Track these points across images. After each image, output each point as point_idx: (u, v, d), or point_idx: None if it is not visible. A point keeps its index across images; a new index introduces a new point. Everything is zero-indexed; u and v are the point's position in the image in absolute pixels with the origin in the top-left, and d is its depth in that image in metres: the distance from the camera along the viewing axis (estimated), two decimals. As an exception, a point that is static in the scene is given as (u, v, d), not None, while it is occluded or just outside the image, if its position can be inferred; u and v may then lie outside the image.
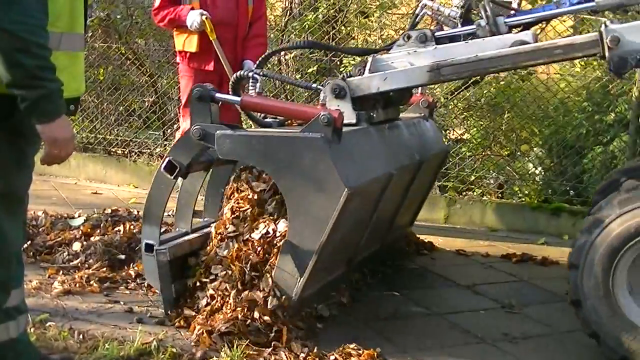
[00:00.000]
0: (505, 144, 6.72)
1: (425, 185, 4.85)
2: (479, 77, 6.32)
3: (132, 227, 4.57)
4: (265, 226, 3.43)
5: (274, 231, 3.39)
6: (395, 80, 3.74)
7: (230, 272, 3.40)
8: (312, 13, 6.90)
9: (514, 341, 3.57)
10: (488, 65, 3.58)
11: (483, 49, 3.61)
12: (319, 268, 3.33)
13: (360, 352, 3.19)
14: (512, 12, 3.77)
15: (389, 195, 3.85)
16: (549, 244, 5.40)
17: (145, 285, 3.94)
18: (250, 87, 3.63)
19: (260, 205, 3.49)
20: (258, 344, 3.17)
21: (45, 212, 5.00)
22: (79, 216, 5.01)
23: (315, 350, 3.18)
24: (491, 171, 6.55)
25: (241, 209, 3.50)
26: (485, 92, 6.62)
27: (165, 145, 7.08)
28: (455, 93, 6.55)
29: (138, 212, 4.97)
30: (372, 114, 3.87)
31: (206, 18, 4.95)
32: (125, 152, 7.34)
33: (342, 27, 7.03)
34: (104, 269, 4.11)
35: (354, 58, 6.09)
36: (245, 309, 3.26)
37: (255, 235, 3.42)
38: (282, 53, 7.03)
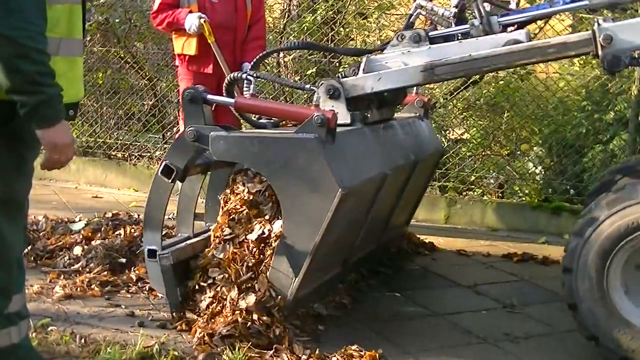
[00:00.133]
0: (505, 144, 6.73)
1: (420, 185, 4.85)
2: (478, 77, 6.34)
3: (132, 230, 4.56)
4: (261, 227, 3.44)
5: (270, 232, 3.40)
6: (389, 80, 3.74)
7: (227, 275, 3.41)
8: (311, 15, 6.90)
9: (515, 341, 3.57)
10: (482, 64, 3.59)
11: (477, 48, 3.61)
12: (314, 268, 3.34)
13: (362, 353, 3.19)
14: (506, 11, 3.78)
15: (384, 196, 3.85)
16: (550, 243, 5.39)
17: (147, 288, 3.95)
18: (245, 89, 3.64)
19: (256, 206, 3.49)
20: (259, 346, 3.18)
21: (45, 216, 5.00)
22: (79, 220, 5.01)
23: (317, 352, 3.18)
24: (491, 171, 6.55)
25: (237, 211, 3.50)
26: (484, 91, 6.63)
27: (165, 148, 7.08)
28: (455, 93, 6.55)
29: (139, 215, 4.98)
30: (366, 114, 3.88)
31: (204, 21, 4.95)
32: (125, 156, 7.34)
33: (341, 29, 7.03)
34: (105, 272, 4.11)
35: (353, 59, 6.10)
36: (244, 312, 3.27)
37: (251, 236, 3.43)
38: (282, 55, 7.04)
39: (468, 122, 6.80)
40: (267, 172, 3.38)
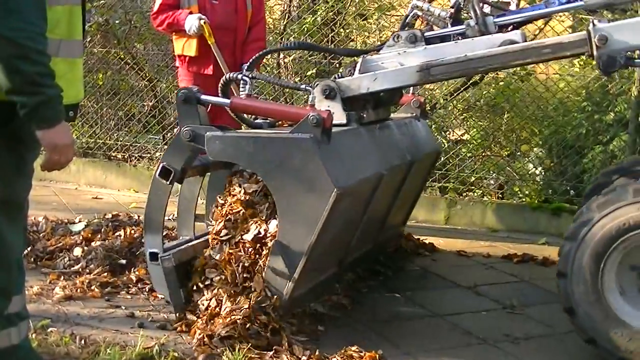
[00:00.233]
0: (505, 145, 6.73)
1: (417, 185, 4.85)
2: (478, 78, 6.34)
3: (132, 231, 4.56)
4: (257, 227, 3.44)
5: (266, 232, 3.41)
6: (385, 80, 3.74)
7: (223, 276, 3.41)
8: (311, 16, 6.90)
9: (515, 342, 3.57)
10: (477, 64, 3.60)
11: (472, 48, 3.62)
12: (310, 268, 3.34)
13: (362, 354, 3.19)
14: (502, 11, 3.78)
15: (380, 196, 3.85)
16: (550, 244, 5.39)
17: (147, 290, 3.95)
18: (241, 89, 3.64)
19: (252, 206, 3.49)
20: (259, 347, 3.17)
21: (45, 217, 5.00)
22: (79, 221, 5.01)
23: (317, 353, 3.18)
24: (491, 172, 6.55)
25: (233, 211, 3.50)
26: (484, 92, 6.62)
27: (165, 149, 7.07)
28: (455, 94, 6.55)
29: (139, 216, 4.98)
30: (362, 114, 3.88)
31: (204, 22, 4.95)
32: (125, 157, 7.35)
33: (341, 30, 7.04)
34: (105, 274, 4.11)
35: (353, 60, 6.09)
36: (241, 313, 3.26)
37: (247, 236, 3.43)
38: (282, 56, 7.03)
39: (468, 123, 6.80)
40: (262, 172, 3.38)
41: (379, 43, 6.79)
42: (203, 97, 3.51)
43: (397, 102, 4.62)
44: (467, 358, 3.38)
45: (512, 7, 3.88)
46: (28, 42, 2.22)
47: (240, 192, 3.52)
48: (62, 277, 4.08)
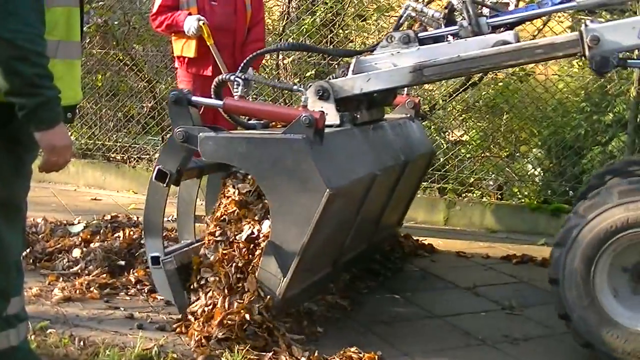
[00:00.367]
0: (504, 145, 6.73)
1: (412, 186, 4.85)
2: (477, 78, 6.34)
3: (131, 233, 4.56)
4: (250, 227, 3.44)
5: (259, 232, 3.41)
6: (378, 81, 3.75)
7: (218, 277, 3.41)
8: (310, 17, 6.90)
9: (514, 343, 3.57)
10: (470, 65, 3.60)
11: (465, 49, 3.62)
12: (303, 268, 3.33)
13: (361, 355, 3.19)
14: (495, 12, 3.79)
15: (374, 196, 3.85)
16: (549, 245, 5.33)
17: (146, 291, 3.95)
18: (235, 91, 3.64)
19: (246, 206, 3.49)
20: (256, 348, 3.17)
21: (44, 219, 5.00)
22: (78, 223, 5.01)
23: (316, 354, 3.18)
24: (490, 173, 6.55)
25: (228, 212, 3.50)
26: (483, 93, 6.63)
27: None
28: (454, 95, 6.55)
29: (138, 217, 4.97)
30: (356, 115, 3.88)
31: (203, 24, 4.95)
32: (124, 158, 7.34)
33: (340, 31, 7.04)
34: (104, 275, 4.10)
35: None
36: (236, 314, 3.26)
37: (241, 237, 3.43)
38: (281, 57, 7.03)
39: (467, 123, 6.80)
40: (255, 173, 3.39)
41: (378, 44, 6.82)
42: (194, 98, 3.51)
43: (391, 103, 4.62)
44: (466, 359, 3.38)
45: (511, 7, 3.88)
46: (27, 44, 2.22)
47: (234, 192, 3.53)
48: (61, 279, 4.08)
